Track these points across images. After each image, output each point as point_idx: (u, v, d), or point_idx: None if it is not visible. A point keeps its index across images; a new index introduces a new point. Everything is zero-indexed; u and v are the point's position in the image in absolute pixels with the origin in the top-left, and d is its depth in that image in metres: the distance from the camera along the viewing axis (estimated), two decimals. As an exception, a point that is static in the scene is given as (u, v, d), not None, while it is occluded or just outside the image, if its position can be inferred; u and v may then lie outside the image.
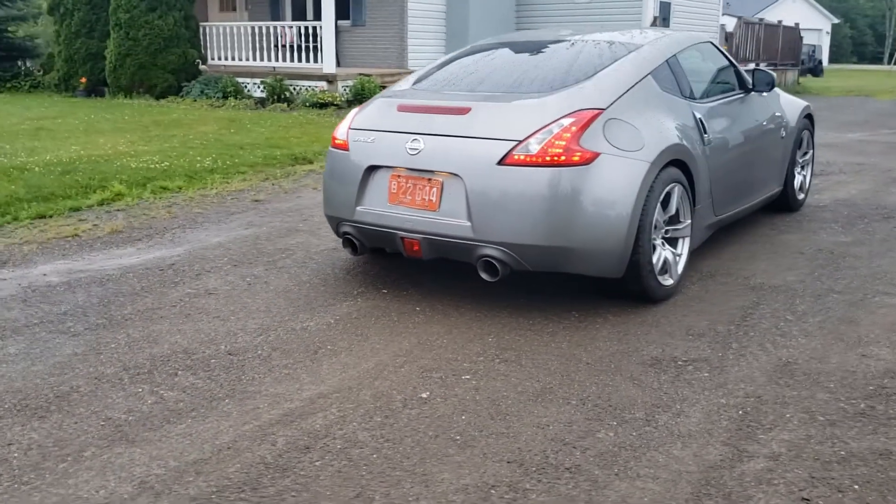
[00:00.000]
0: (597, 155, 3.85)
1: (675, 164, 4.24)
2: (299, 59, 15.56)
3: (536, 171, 3.78)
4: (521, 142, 3.82)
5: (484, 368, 3.46)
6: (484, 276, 3.99)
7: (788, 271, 4.81)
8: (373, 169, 4.24)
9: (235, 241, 5.63)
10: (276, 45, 16.53)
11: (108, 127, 11.40)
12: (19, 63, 19.90)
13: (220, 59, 16.65)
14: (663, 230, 4.26)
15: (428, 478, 2.60)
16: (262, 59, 16.08)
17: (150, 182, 7.51)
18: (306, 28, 15.49)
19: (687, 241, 4.43)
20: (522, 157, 3.79)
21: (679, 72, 4.66)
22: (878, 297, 4.33)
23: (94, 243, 5.61)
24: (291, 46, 15.71)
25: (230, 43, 16.44)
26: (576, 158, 3.79)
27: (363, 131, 4.33)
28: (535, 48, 4.87)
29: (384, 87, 11.75)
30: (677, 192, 4.24)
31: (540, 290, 4.44)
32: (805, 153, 6.34)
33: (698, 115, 4.60)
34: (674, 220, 4.33)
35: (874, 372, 3.41)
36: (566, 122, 3.86)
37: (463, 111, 4.05)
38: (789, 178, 5.97)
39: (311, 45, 15.24)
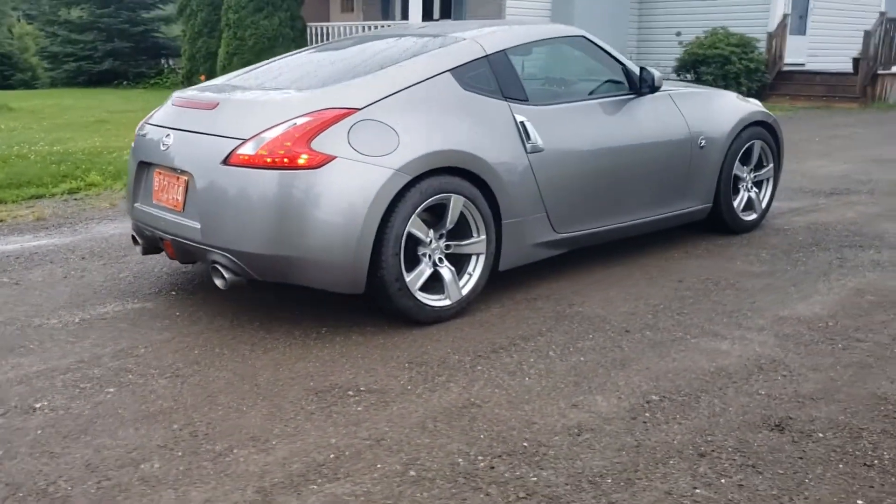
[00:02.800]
0: (330, 158, 3.50)
1: (455, 171, 3.79)
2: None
3: (258, 173, 3.50)
4: (245, 141, 3.55)
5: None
6: (217, 282, 3.74)
7: (633, 301, 4.19)
8: (144, 165, 4.09)
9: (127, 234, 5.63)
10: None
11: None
12: (163, 61, 21.34)
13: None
14: (440, 245, 3.82)
15: None
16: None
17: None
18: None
19: (481, 258, 3.95)
20: (245, 157, 3.52)
21: (504, 70, 4.17)
22: (695, 339, 3.68)
23: (1, 229, 5.82)
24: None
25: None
26: (301, 161, 3.47)
27: (146, 125, 4.20)
28: (363, 47, 4.54)
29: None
30: (455, 203, 3.79)
31: (319, 299, 4.10)
32: (761, 167, 5.53)
33: (521, 119, 4.09)
34: (458, 234, 3.88)
35: (542, 430, 2.88)
36: (300, 121, 3.54)
37: (211, 106, 3.83)
38: (722, 195, 5.21)
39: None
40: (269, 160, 3.46)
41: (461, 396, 3.09)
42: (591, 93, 4.73)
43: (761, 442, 2.77)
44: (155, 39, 21.79)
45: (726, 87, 15.31)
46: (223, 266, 3.64)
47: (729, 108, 5.21)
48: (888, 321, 3.89)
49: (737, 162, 5.27)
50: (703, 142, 4.99)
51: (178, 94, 4.18)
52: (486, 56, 4.13)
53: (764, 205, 5.57)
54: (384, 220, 3.56)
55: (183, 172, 3.75)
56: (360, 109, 3.65)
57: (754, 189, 5.49)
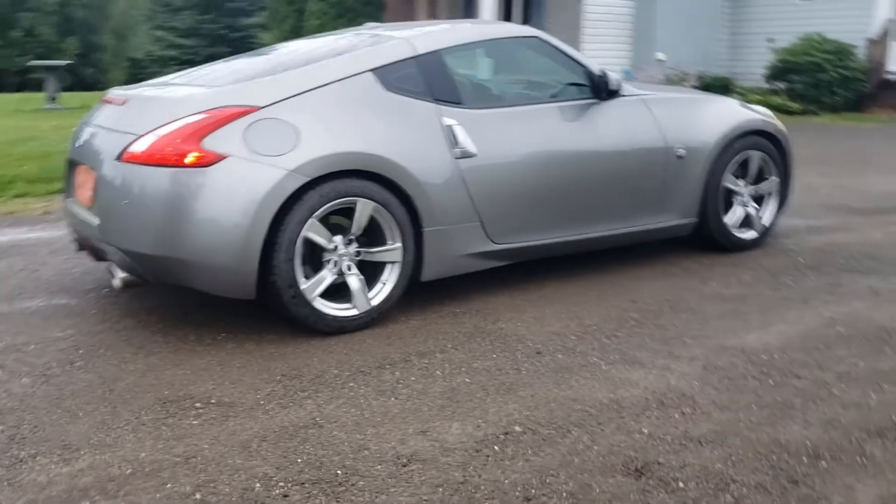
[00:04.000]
0: (221, 157, 3.37)
1: (365, 175, 3.59)
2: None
3: (147, 171, 3.41)
4: (139, 137, 3.45)
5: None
6: (113, 281, 3.66)
7: (567, 321, 3.87)
8: (72, 163, 4.07)
9: None
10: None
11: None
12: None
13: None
14: (349, 252, 3.62)
15: None
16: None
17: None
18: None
19: (396, 267, 3.73)
20: (137, 154, 3.43)
21: (436, 72, 3.93)
22: (608, 367, 3.36)
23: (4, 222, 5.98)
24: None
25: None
26: (189, 160, 3.35)
27: (81, 123, 4.18)
28: (301, 46, 4.39)
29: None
30: (362, 207, 3.58)
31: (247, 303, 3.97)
32: (761, 180, 5.06)
33: (449, 123, 3.85)
34: (373, 241, 3.67)
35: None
36: (193, 119, 3.43)
37: (121, 102, 3.76)
38: (710, 209, 4.79)
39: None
40: (158, 157, 3.36)
41: (309, 415, 2.89)
42: (552, 97, 4.43)
43: (605, 488, 2.45)
44: (252, 44, 22.37)
45: (818, 98, 14.43)
46: (117, 264, 3.54)
47: (718, 115, 4.78)
48: (845, 357, 3.45)
49: (727, 174, 4.82)
50: (682, 151, 4.59)
51: (109, 92, 4.13)
52: (416, 56, 3.91)
53: (766, 222, 5.08)
54: (276, 223, 3.39)
55: (90, 168, 3.69)
56: (261, 108, 3.50)
57: (753, 204, 5.02)
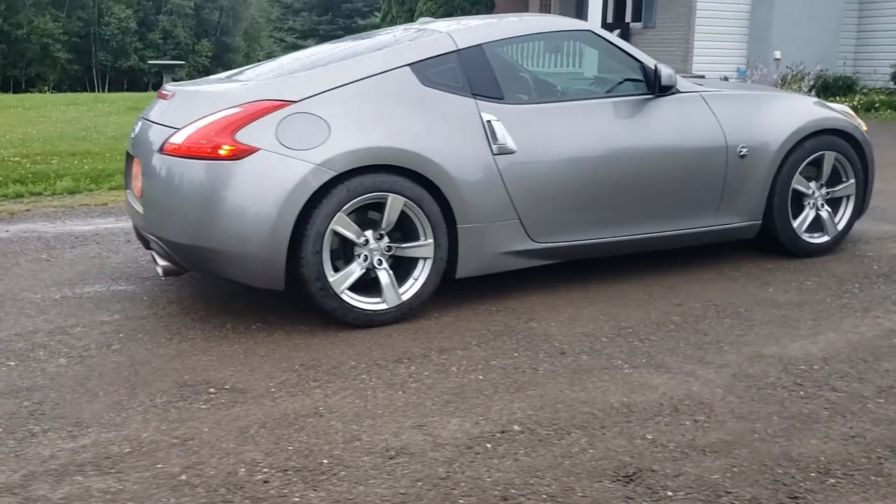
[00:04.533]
0: (253, 150, 3.47)
1: (397, 170, 3.62)
2: (567, 64, 15.22)
3: (183, 162, 3.54)
4: (178, 130, 3.59)
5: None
6: (157, 269, 3.82)
7: (602, 322, 3.78)
8: (129, 155, 4.27)
9: None
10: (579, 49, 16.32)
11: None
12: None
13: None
14: (380, 246, 3.65)
15: None
16: (560, 65, 15.84)
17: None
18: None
19: (428, 263, 3.74)
20: (174, 147, 3.56)
21: (477, 66, 3.91)
22: (631, 370, 3.26)
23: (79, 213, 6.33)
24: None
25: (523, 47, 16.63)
26: (223, 152, 3.47)
27: (138, 117, 4.37)
28: (351, 42, 4.45)
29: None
30: (393, 203, 3.61)
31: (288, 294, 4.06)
32: (837, 183, 4.80)
33: (488, 118, 3.83)
34: (407, 236, 3.70)
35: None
36: (229, 112, 3.54)
37: (167, 96, 3.91)
38: (776, 211, 4.57)
39: (575, 48, 14.84)
40: (193, 150, 3.48)
41: (314, 404, 2.93)
42: (608, 91, 4.32)
43: (588, 493, 2.38)
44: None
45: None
46: (157, 253, 3.69)
47: (787, 113, 4.54)
48: (893, 371, 3.22)
49: (797, 175, 4.58)
50: (745, 150, 4.39)
51: (164, 87, 4.30)
52: (457, 51, 3.89)
53: (841, 227, 4.80)
54: (305, 215, 3.45)
55: (139, 160, 3.85)
56: (295, 102, 3.57)
57: (827, 208, 4.75)
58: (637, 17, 16.47)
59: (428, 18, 4.59)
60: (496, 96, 3.88)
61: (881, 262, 4.70)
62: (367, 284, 3.65)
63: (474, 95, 3.85)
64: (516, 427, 2.76)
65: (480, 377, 3.16)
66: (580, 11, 18.03)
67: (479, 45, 3.93)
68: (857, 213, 4.87)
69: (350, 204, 3.51)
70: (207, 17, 51.36)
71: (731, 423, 2.80)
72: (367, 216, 3.65)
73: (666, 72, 4.09)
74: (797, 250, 4.69)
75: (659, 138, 4.16)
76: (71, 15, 48.99)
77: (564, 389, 3.06)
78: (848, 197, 4.81)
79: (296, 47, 23.79)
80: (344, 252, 3.65)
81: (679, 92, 4.28)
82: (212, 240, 3.47)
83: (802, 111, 4.58)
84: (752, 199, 4.47)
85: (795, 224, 4.64)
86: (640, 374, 3.19)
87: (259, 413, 2.86)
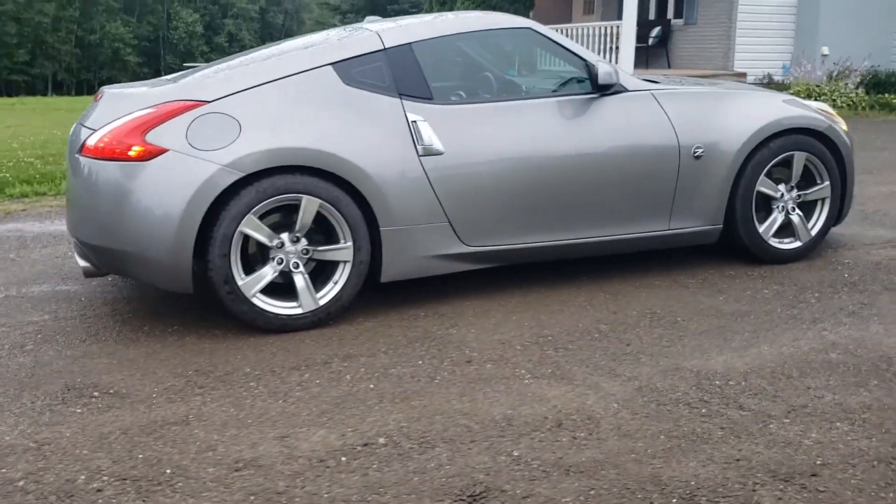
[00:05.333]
0: (162, 151, 3.44)
1: (312, 171, 3.54)
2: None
3: (96, 164, 3.53)
4: (95, 131, 3.59)
5: None
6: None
7: (526, 329, 3.64)
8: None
9: None
10: (614, 47, 16.04)
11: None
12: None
13: (552, 63, 16.73)
14: (296, 249, 3.58)
15: None
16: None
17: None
18: (610, 28, 14.83)
19: (348, 266, 3.66)
20: (90, 148, 3.56)
21: (404, 65, 3.81)
22: (531, 381, 3.13)
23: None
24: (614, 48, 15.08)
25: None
26: (132, 153, 3.45)
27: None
28: (287, 43, 4.38)
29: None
30: (307, 205, 3.54)
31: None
32: (811, 185, 4.55)
33: (414, 118, 3.73)
34: (329, 239, 3.63)
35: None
36: (141, 113, 3.52)
37: (98, 98, 3.91)
38: (738, 215, 4.35)
39: (612, 46, 14.58)
40: (106, 151, 3.47)
41: (187, 412, 2.87)
42: (554, 91, 4.17)
43: (422, 512, 2.26)
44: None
45: None
46: (78, 254, 3.69)
47: (749, 112, 4.31)
48: (814, 388, 3.02)
49: (762, 177, 4.35)
50: (701, 151, 4.19)
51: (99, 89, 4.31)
52: (384, 50, 3.79)
53: (815, 232, 4.54)
54: (212, 218, 3.40)
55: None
56: (208, 102, 3.52)
57: (798, 212, 4.50)
58: (679, 13, 16.07)
59: (375, 18, 4.50)
60: (424, 96, 3.77)
61: (854, 270, 4.43)
62: (289, 289, 3.58)
63: (400, 95, 3.74)
64: (381, 440, 2.66)
65: (371, 386, 3.06)
66: (621, 10, 17.68)
67: (408, 45, 3.83)
68: (835, 217, 4.60)
69: (260, 206, 3.45)
70: (272, 21, 52.26)
71: (611, 441, 2.64)
72: (292, 219, 3.57)
73: (604, 70, 3.92)
74: (765, 256, 4.46)
75: (601, 139, 3.99)
76: (141, 20, 50.41)
77: (452, 400, 2.94)
78: (823, 200, 4.55)
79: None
80: (264, 255, 3.58)
81: (626, 90, 4.09)
82: (121, 241, 3.44)
83: (767, 109, 4.34)
84: (711, 203, 4.26)
85: (762, 229, 4.40)
86: (538, 386, 3.05)
87: (128, 419, 2.82)
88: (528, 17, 16.16)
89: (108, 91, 3.83)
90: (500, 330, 3.61)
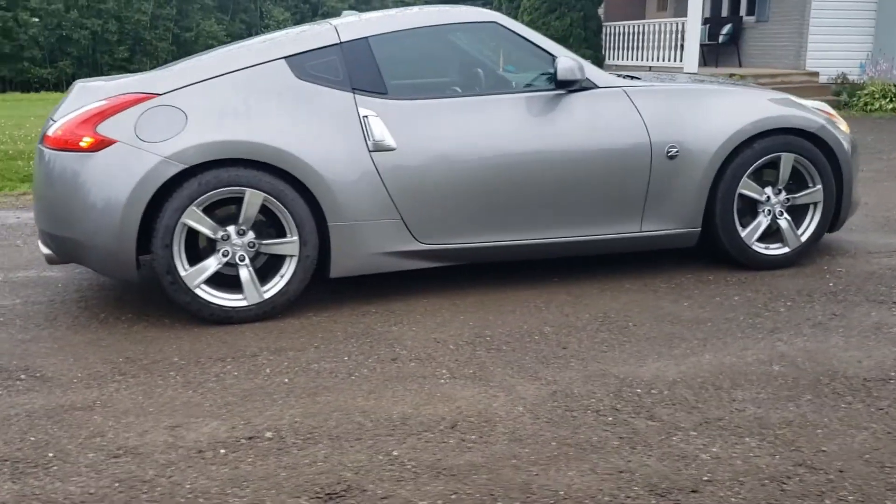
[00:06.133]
0: (111, 143, 3.53)
1: (257, 164, 3.58)
2: (669, 59, 14.60)
3: (53, 154, 3.64)
4: (54, 122, 3.71)
5: None
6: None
7: (468, 329, 3.58)
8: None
9: None
10: (681, 45, 15.63)
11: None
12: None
13: (619, 59, 16.48)
14: (243, 242, 3.62)
15: None
16: (662, 60, 15.20)
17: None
18: (677, 24, 14.44)
19: (294, 260, 3.68)
20: (49, 138, 3.68)
21: (359, 59, 3.80)
22: (447, 381, 3.09)
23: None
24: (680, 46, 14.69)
25: (630, 43, 16.12)
26: (83, 144, 3.55)
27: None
28: (256, 38, 4.41)
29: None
30: (251, 198, 3.58)
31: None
32: (802, 188, 4.34)
33: (365, 113, 3.72)
34: (278, 233, 3.66)
35: None
36: (95, 105, 3.61)
37: (69, 92, 4.03)
38: (718, 218, 4.18)
39: (680, 44, 14.21)
40: (61, 141, 3.57)
41: (97, 398, 2.94)
42: (507, 87, 4.11)
43: (272, 508, 2.26)
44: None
45: None
46: (41, 242, 3.82)
47: (731, 110, 4.13)
48: (740, 401, 2.88)
49: (745, 179, 4.17)
50: (675, 150, 4.04)
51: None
52: (339, 44, 3.79)
53: (805, 237, 4.32)
54: (155, 209, 3.47)
55: (39, 152, 3.99)
56: (159, 95, 3.59)
57: (787, 216, 4.29)
58: (751, 10, 15.53)
59: (351, 12, 4.49)
60: (378, 91, 3.75)
61: (843, 279, 4.20)
62: (238, 282, 3.62)
63: (354, 90, 3.73)
64: (269, 434, 2.66)
65: (286, 380, 3.07)
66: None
67: (364, 38, 3.81)
68: (829, 223, 4.36)
69: (203, 198, 3.49)
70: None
71: (499, 445, 2.58)
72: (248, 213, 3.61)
73: (565, 65, 3.81)
74: (749, 262, 4.27)
75: (566, 136, 3.89)
76: (234, 18, 51.75)
77: (358, 397, 2.91)
78: (815, 205, 4.32)
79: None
80: (213, 248, 3.62)
81: (596, 87, 3.98)
82: (72, 230, 3.54)
83: (750, 108, 4.15)
84: (688, 205, 4.10)
85: (744, 233, 4.21)
86: (452, 386, 2.99)
87: (39, 402, 2.89)
88: (595, 9, 15.89)
89: (79, 84, 3.93)
90: (442, 329, 3.56)
